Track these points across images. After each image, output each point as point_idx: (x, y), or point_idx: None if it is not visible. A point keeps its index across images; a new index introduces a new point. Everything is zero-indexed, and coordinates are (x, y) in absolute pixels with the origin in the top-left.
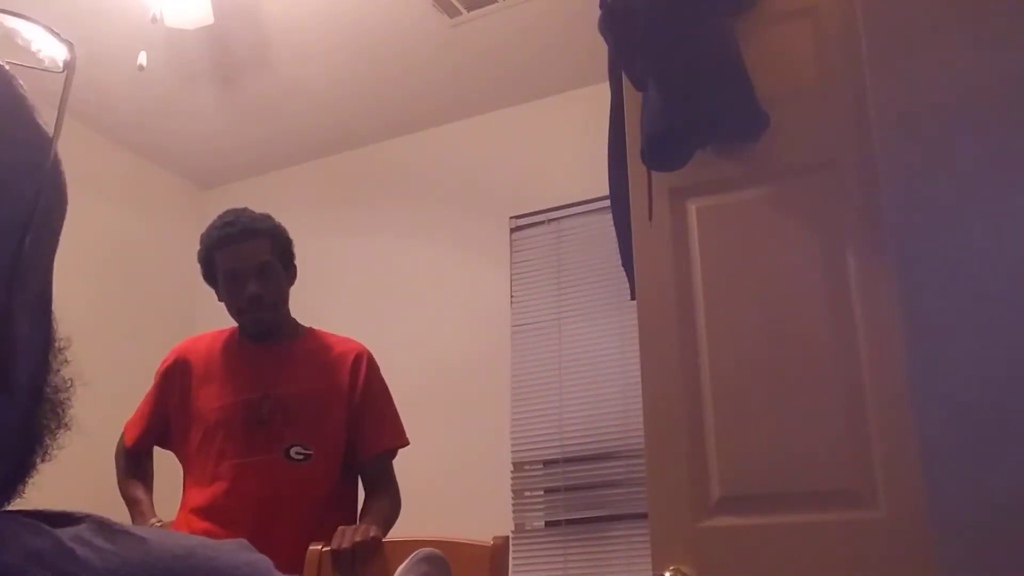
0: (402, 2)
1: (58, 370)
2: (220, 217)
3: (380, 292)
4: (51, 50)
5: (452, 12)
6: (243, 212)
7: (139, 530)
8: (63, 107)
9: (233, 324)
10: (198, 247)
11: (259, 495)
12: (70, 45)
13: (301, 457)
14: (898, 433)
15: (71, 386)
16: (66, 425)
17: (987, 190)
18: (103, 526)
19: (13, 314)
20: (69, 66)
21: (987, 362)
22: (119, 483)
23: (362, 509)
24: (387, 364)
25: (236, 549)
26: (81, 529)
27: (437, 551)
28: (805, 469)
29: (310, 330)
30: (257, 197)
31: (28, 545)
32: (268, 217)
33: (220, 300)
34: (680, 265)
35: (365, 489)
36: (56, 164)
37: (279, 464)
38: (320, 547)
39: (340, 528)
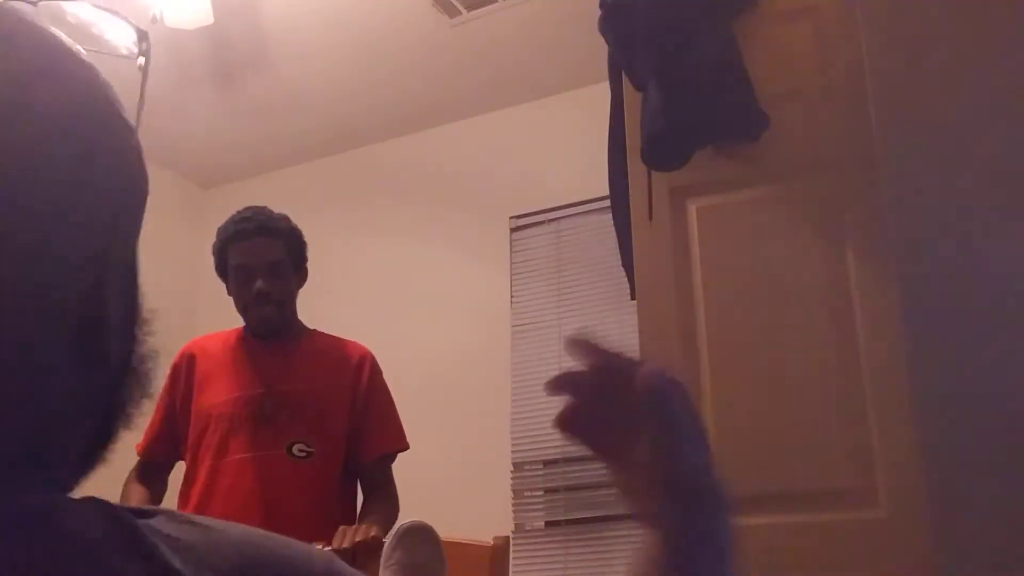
0: (402, 2)
1: (143, 342)
2: (239, 212)
3: (380, 292)
4: (123, 38)
5: (452, 12)
6: (261, 210)
7: (203, 519)
8: (144, 91)
9: (242, 324)
10: (213, 240)
11: (261, 490)
12: (144, 33)
13: (303, 455)
14: (898, 433)
15: (155, 357)
16: (149, 395)
17: (986, 190)
18: (173, 516)
19: (107, 289)
20: (146, 53)
21: (987, 362)
22: (122, 490)
23: (361, 510)
24: (387, 364)
25: (285, 539)
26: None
27: (421, 522)
28: (805, 469)
29: (315, 331)
30: (257, 197)
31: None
32: (285, 218)
33: (229, 294)
34: (680, 265)
35: (364, 492)
36: (138, 148)
37: (282, 460)
38: (321, 546)
39: (341, 528)
